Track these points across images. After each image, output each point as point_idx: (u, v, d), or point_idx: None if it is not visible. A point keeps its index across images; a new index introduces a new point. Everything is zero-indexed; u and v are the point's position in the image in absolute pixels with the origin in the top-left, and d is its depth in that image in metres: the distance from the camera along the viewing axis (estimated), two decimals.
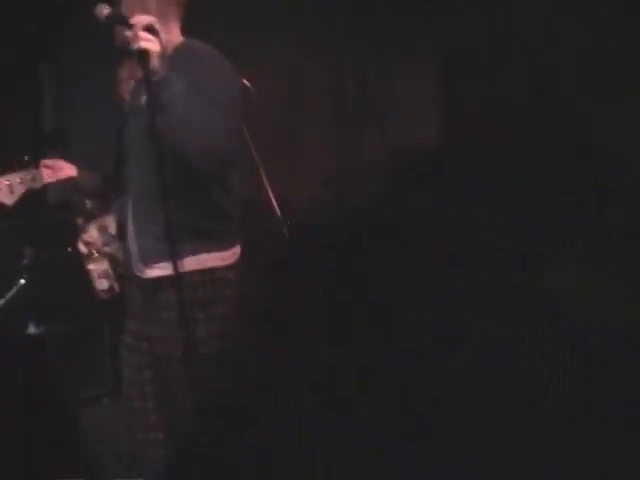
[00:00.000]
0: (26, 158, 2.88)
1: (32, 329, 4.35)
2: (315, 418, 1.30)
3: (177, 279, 2.59)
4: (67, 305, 4.22)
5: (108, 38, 2.73)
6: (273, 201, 2.95)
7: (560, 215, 1.33)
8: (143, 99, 2.60)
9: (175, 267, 2.54)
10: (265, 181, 2.97)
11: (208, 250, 2.70)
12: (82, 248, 2.88)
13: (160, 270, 2.69)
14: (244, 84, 3.27)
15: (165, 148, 2.46)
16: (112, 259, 2.95)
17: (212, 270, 2.71)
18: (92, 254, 2.88)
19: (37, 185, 2.92)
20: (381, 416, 1.28)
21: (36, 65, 5.77)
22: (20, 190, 2.88)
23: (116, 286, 2.91)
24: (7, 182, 2.85)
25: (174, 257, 2.55)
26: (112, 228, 2.86)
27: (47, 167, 2.91)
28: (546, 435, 1.22)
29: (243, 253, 2.81)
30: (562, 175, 1.36)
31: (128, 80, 2.80)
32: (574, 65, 1.49)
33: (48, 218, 4.19)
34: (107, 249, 2.87)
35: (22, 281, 3.98)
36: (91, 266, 2.85)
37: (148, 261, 2.73)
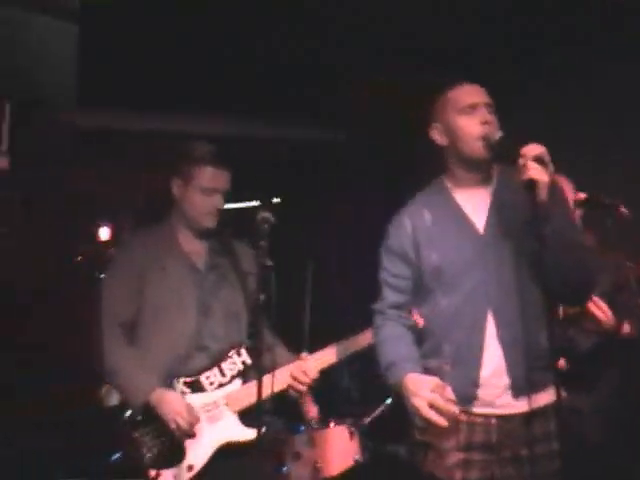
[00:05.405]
0: None
1: (391, 447, 4.50)
2: None
3: (552, 410, 2.58)
4: None
5: None
6: None
7: None
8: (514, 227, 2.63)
9: (552, 397, 2.43)
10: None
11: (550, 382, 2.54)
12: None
13: (534, 402, 2.60)
14: (622, 212, 3.20)
15: (550, 276, 2.36)
16: None
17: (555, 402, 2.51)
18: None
19: None
20: None
21: None
22: None
23: None
24: None
25: (551, 386, 2.45)
26: None
27: None
28: None
29: None
30: None
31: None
32: None
33: None
34: None
35: (389, 400, 4.13)
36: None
37: (521, 393, 2.60)
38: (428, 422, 2.52)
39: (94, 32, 3.07)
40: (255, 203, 5.35)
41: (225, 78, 4.68)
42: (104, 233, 5.74)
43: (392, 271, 2.81)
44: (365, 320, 3.06)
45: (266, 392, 2.92)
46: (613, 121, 4.48)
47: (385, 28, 4.15)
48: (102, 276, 3.46)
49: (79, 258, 5.12)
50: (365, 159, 5.71)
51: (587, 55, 4.39)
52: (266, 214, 2.85)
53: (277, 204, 5.61)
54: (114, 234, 5.77)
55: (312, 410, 4.11)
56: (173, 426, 3.05)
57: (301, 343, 3.50)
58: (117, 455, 3.63)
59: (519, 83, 4.66)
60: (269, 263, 2.78)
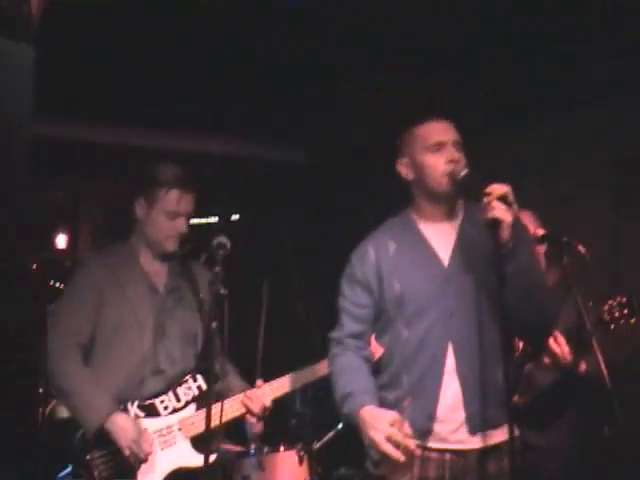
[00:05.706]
0: None
1: (342, 470, 4.51)
2: None
3: (506, 448, 2.52)
4: None
5: None
6: (604, 373, 2.83)
7: None
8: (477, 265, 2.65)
9: (507, 434, 2.40)
10: (598, 351, 2.88)
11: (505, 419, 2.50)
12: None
13: (489, 438, 2.61)
14: (579, 250, 3.24)
15: (509, 315, 2.39)
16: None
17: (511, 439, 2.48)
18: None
19: None
20: None
21: None
22: None
23: None
24: None
25: (506, 423, 2.43)
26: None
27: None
28: None
29: None
30: None
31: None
32: None
33: None
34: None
35: (340, 426, 4.14)
36: None
37: (476, 429, 2.61)
38: (385, 456, 2.50)
39: (52, 48, 3.03)
40: (213, 219, 5.27)
41: (200, 92, 4.66)
42: (61, 241, 5.67)
43: (353, 300, 2.78)
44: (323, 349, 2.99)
45: (217, 420, 2.90)
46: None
47: (385, 28, 4.11)
48: (59, 285, 3.40)
49: (33, 266, 5.05)
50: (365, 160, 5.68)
51: (587, 55, 4.35)
52: (222, 239, 2.80)
53: (236, 222, 5.55)
54: (70, 244, 5.69)
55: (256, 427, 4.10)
56: (127, 453, 3.03)
57: (256, 370, 3.49)
58: (65, 472, 3.57)
59: (519, 83, 4.65)
60: (223, 291, 2.75)
